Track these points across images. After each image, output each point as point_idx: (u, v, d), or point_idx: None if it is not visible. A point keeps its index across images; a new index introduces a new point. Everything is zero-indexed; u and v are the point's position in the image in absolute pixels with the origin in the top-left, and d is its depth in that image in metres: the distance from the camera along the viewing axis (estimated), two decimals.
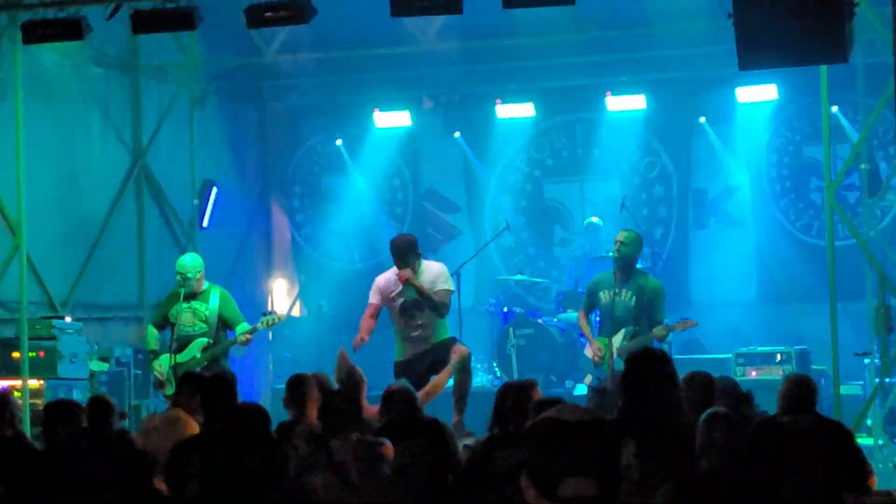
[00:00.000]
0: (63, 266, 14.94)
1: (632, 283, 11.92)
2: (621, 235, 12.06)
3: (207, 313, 12.24)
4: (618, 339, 11.84)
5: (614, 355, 11.61)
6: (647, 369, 6.88)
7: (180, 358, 12.13)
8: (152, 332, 12.51)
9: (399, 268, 11.63)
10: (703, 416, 6.72)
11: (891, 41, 12.65)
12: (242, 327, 12.27)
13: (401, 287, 11.60)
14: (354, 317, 16.20)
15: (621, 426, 6.09)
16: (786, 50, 10.15)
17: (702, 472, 6.38)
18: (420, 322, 11.61)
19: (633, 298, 11.82)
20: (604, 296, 12.04)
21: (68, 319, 13.99)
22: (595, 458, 3.60)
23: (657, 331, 11.77)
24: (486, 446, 7.62)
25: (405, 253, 11.60)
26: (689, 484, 5.05)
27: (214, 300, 12.29)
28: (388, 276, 11.78)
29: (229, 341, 12.24)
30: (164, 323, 12.42)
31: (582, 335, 13.01)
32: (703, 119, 17.17)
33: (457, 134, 18.11)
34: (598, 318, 12.41)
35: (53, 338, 13.45)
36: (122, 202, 15.94)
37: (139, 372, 14.56)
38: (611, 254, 12.22)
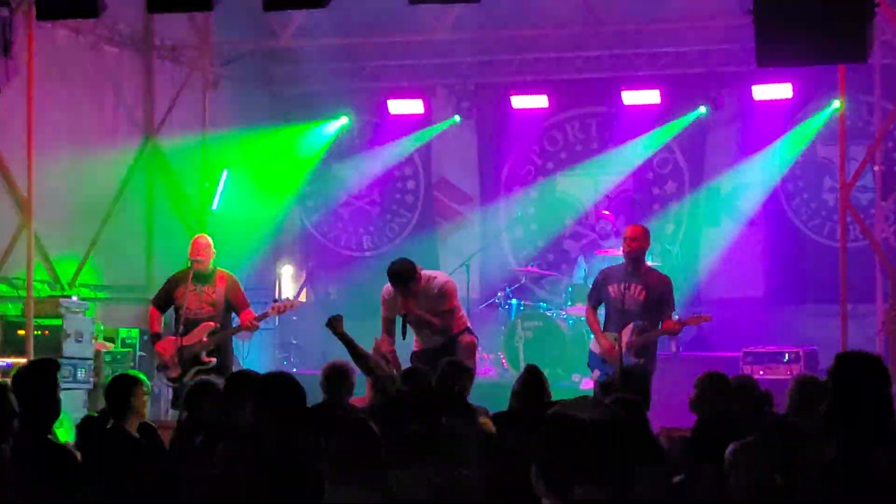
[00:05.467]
0: (71, 245, 14.89)
1: (641, 277, 11.53)
2: (629, 231, 11.82)
3: (215, 296, 12.16)
4: (626, 334, 11.44)
5: (623, 350, 11.45)
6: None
7: (187, 341, 12.08)
8: (155, 314, 12.45)
9: (397, 292, 11.51)
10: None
11: None
12: (247, 313, 12.22)
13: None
14: (362, 304, 16.24)
15: None
16: (805, 48, 10.07)
17: None
18: (427, 332, 11.62)
19: (643, 292, 11.46)
20: (613, 290, 11.65)
21: (75, 299, 13.95)
22: (608, 464, 3.51)
23: (669, 325, 11.44)
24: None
25: (403, 282, 11.42)
26: None
27: (221, 283, 12.23)
28: (392, 292, 11.64)
29: (235, 328, 12.17)
30: (166, 305, 12.31)
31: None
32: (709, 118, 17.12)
33: (456, 117, 18.02)
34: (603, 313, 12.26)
35: (59, 317, 13.42)
36: (133, 183, 15.88)
37: (144, 353, 14.52)
38: (619, 248, 12.08)
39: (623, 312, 11.43)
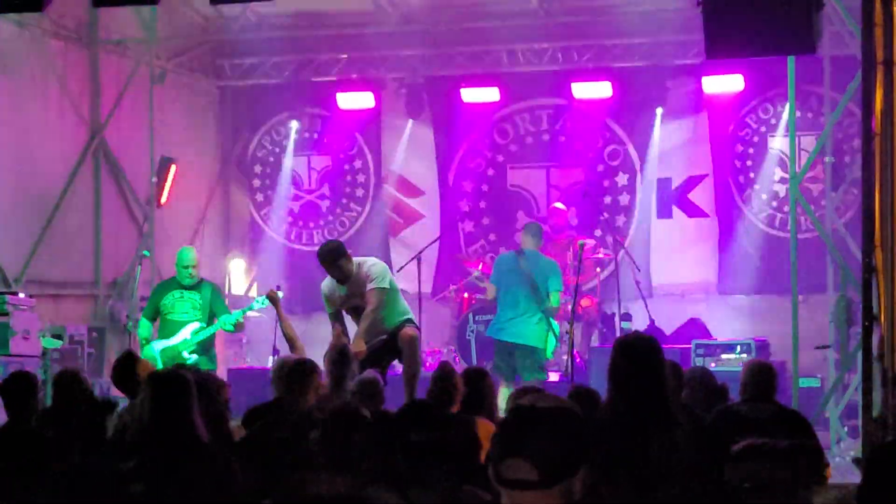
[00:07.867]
0: (17, 241, 14.72)
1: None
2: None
3: (201, 302, 12.47)
4: None
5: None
6: None
7: (172, 343, 12.33)
8: (145, 324, 12.67)
9: (330, 275, 11.53)
10: None
11: (858, 34, 12.62)
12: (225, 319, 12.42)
13: (342, 293, 11.52)
14: (312, 299, 16.18)
15: None
16: (754, 40, 10.07)
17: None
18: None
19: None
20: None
21: (21, 295, 13.79)
22: (539, 443, 3.44)
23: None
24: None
25: (333, 259, 11.46)
26: None
27: (207, 292, 12.58)
28: (329, 284, 11.69)
29: (219, 324, 12.38)
30: (156, 315, 12.58)
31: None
32: (660, 110, 17.14)
33: (409, 121, 18.06)
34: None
35: (6, 314, 13.28)
36: (79, 178, 15.72)
37: (92, 350, 14.40)
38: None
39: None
